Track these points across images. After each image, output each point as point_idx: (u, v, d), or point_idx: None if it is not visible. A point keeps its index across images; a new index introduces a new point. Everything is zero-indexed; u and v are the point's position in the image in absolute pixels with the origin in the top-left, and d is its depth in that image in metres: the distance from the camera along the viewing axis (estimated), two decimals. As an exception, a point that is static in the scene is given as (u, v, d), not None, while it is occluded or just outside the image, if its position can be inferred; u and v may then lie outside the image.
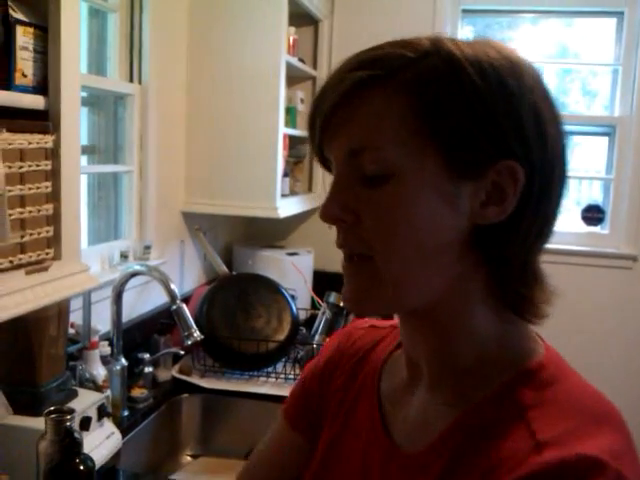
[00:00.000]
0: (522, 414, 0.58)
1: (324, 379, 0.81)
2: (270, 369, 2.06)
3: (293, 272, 2.58)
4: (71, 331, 1.57)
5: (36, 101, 1.09)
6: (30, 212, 1.08)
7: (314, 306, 2.58)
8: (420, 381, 0.68)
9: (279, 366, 2.08)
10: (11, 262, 1.04)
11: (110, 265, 1.92)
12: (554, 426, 0.55)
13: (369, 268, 0.61)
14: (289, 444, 0.83)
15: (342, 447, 0.74)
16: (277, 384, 2.00)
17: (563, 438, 0.54)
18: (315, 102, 0.63)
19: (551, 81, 2.85)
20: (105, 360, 1.65)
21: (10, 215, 1.02)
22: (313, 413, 0.81)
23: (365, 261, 0.61)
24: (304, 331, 2.30)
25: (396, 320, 0.74)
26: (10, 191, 1.03)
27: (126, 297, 1.75)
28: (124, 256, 1.94)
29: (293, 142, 2.71)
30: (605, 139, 2.90)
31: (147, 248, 2.06)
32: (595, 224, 2.90)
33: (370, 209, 0.60)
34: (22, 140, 1.05)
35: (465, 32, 2.93)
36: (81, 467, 1.14)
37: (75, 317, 1.61)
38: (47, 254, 1.12)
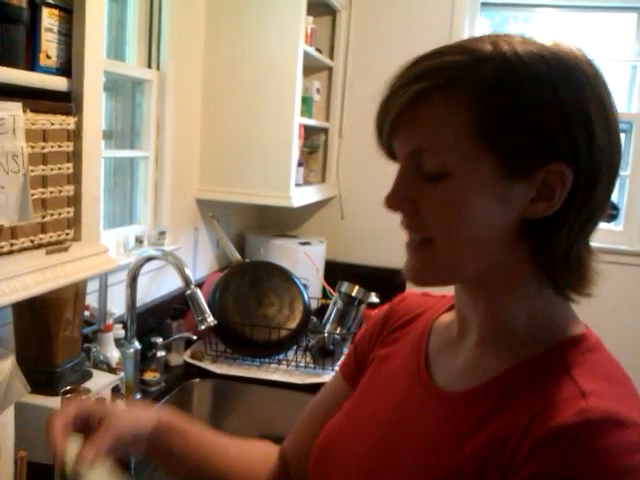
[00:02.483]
0: (567, 370, 0.66)
1: (374, 332, 0.91)
2: (281, 356, 2.07)
3: (305, 261, 2.59)
4: (86, 313, 1.59)
5: (59, 82, 1.10)
6: (51, 193, 1.09)
7: (325, 296, 2.58)
8: (469, 339, 0.76)
9: (290, 354, 2.09)
10: (32, 241, 1.06)
11: (125, 250, 1.93)
12: (595, 383, 0.64)
13: (427, 250, 0.69)
14: (338, 390, 0.91)
15: (380, 384, 0.83)
16: (288, 371, 2.01)
17: (603, 393, 0.62)
18: (383, 105, 0.69)
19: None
20: (119, 343, 1.67)
21: (32, 195, 1.03)
22: (359, 362, 0.91)
23: (424, 243, 0.69)
24: (315, 320, 2.31)
25: (448, 292, 0.85)
26: (32, 171, 1.04)
27: (140, 282, 1.76)
28: (139, 241, 1.95)
29: (308, 132, 2.71)
30: (621, 136, 2.89)
31: (161, 234, 2.08)
32: (609, 221, 2.86)
33: (427, 202, 0.68)
34: (45, 121, 1.06)
35: (482, 25, 2.92)
36: (96, 446, 1.15)
37: (90, 300, 1.62)
38: (67, 235, 1.13)
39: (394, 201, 0.70)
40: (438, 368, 0.78)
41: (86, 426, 0.80)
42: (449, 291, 0.85)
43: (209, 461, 0.91)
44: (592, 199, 0.66)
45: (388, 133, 0.70)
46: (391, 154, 0.73)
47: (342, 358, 0.98)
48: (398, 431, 0.77)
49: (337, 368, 0.97)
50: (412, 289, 0.93)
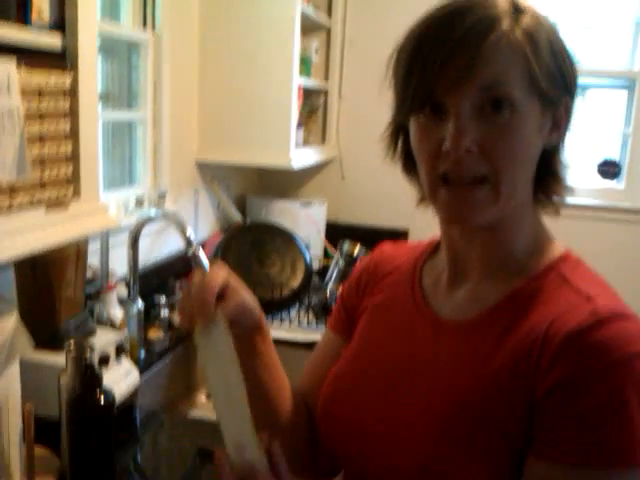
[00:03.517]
0: (566, 281, 0.75)
1: (360, 284, 0.95)
2: (284, 315, 2.09)
3: (306, 223, 2.60)
4: (88, 274, 1.60)
5: (53, 40, 1.10)
6: (49, 150, 1.09)
7: (327, 256, 2.60)
8: (466, 277, 0.82)
9: (292, 312, 2.11)
10: (31, 199, 1.06)
11: (126, 211, 1.94)
12: (593, 288, 0.73)
13: (484, 187, 0.73)
14: (331, 346, 0.95)
15: (381, 328, 0.88)
16: (291, 329, 2.04)
17: (603, 295, 0.72)
18: (448, 51, 0.70)
19: (571, 33, 2.79)
20: (122, 302, 1.69)
21: (30, 152, 1.04)
22: (349, 314, 0.95)
23: (480, 182, 0.73)
24: (317, 281, 2.33)
25: (422, 240, 0.94)
26: (29, 128, 1.04)
27: (142, 244, 1.77)
28: (139, 203, 1.95)
29: (307, 94, 2.69)
30: (624, 92, 2.86)
31: (162, 196, 2.08)
32: (611, 178, 2.87)
33: (493, 137, 0.72)
34: (40, 78, 1.06)
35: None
36: (102, 400, 1.18)
37: (92, 261, 1.63)
38: (66, 192, 1.14)
39: (464, 142, 0.71)
40: (438, 304, 0.83)
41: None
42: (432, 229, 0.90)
43: (271, 386, 0.88)
44: (571, 120, 0.78)
45: (452, 77, 0.71)
46: (423, 103, 0.73)
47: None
48: (411, 366, 0.80)
49: (326, 324, 1.00)
50: (385, 243, 1.00)
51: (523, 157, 0.74)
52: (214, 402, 0.74)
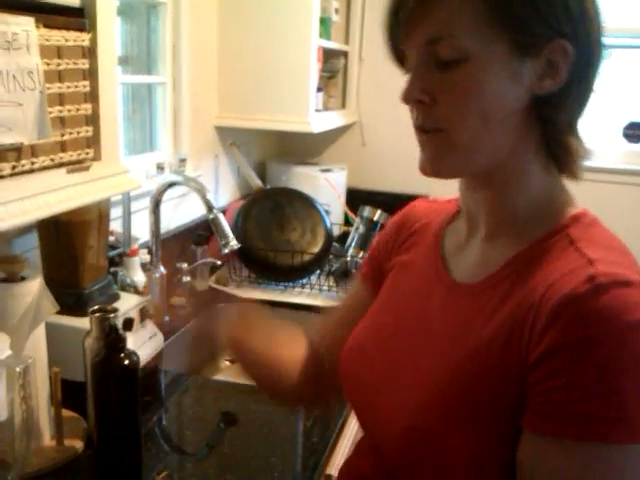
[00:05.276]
0: (572, 243, 0.71)
1: (389, 240, 0.96)
2: (304, 281, 2.09)
3: (327, 188, 2.58)
4: (111, 238, 1.60)
5: (72, -2, 1.08)
6: (69, 111, 1.08)
7: (347, 222, 2.58)
8: (478, 235, 0.81)
9: (313, 278, 2.11)
10: (52, 160, 1.06)
11: (147, 177, 1.93)
12: (599, 251, 0.68)
13: (443, 137, 0.72)
14: (356, 294, 0.99)
15: (403, 288, 0.89)
16: (312, 295, 2.03)
17: (608, 259, 0.67)
18: (395, 3, 0.73)
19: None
20: (145, 268, 1.68)
21: (50, 113, 1.03)
22: (379, 267, 0.96)
23: (438, 133, 0.72)
24: (337, 246, 2.32)
25: (453, 196, 0.91)
26: (49, 88, 1.03)
27: (163, 210, 1.77)
28: (160, 168, 1.94)
29: (327, 56, 2.65)
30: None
31: (182, 161, 2.07)
32: (636, 141, 2.81)
33: (446, 89, 0.70)
34: (59, 37, 1.04)
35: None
36: (126, 362, 1.18)
37: (114, 226, 1.63)
38: (87, 154, 1.13)
39: (414, 94, 0.72)
40: (454, 266, 0.83)
41: None
42: (455, 194, 0.90)
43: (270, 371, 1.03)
44: (589, 73, 0.73)
45: (404, 26, 0.72)
46: (400, 59, 0.77)
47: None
48: (423, 328, 0.80)
49: (357, 275, 1.03)
50: (419, 199, 1.00)
51: (483, 107, 0.70)
52: None
